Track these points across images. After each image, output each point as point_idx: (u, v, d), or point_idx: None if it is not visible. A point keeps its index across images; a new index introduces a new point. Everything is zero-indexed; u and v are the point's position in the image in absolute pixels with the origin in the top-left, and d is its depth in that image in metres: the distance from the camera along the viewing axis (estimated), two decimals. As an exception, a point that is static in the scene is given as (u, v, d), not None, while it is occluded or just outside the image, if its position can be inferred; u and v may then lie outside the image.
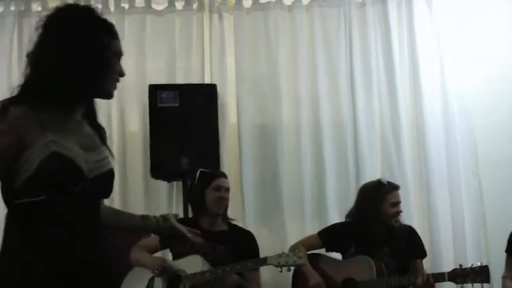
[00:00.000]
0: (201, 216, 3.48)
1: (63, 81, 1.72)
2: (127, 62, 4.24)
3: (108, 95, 1.83)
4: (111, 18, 4.33)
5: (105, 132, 1.93)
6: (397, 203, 3.57)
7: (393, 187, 3.61)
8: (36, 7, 4.50)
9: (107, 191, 1.85)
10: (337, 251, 3.68)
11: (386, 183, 3.63)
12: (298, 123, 4.36)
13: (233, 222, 3.58)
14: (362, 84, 4.37)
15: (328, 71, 4.41)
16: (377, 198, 3.55)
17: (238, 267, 3.20)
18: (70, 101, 1.77)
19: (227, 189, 3.51)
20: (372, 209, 3.54)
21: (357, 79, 4.38)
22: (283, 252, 3.14)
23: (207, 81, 4.36)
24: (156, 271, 3.23)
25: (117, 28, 1.85)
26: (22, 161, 1.67)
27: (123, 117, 4.33)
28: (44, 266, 1.65)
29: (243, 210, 4.19)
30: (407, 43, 4.41)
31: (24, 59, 4.69)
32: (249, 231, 3.61)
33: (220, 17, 4.47)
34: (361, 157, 4.30)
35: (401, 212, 3.59)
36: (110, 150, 1.89)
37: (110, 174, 1.83)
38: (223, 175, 3.62)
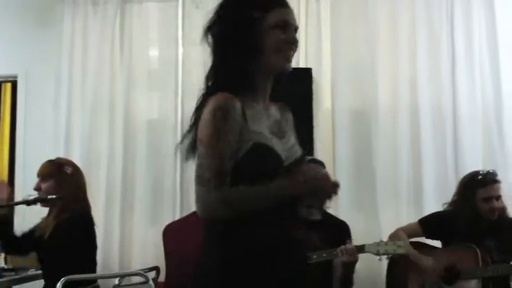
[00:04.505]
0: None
1: (234, 68, 1.74)
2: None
3: (278, 70, 1.79)
4: (209, 2, 4.47)
5: (291, 117, 1.93)
6: (490, 198, 3.36)
7: (487, 181, 3.40)
8: (137, -7, 4.63)
9: None
10: (437, 239, 3.58)
11: (482, 176, 3.43)
12: (395, 108, 4.26)
13: (328, 210, 3.56)
14: (464, 68, 4.21)
15: (428, 53, 4.27)
16: (469, 193, 3.42)
17: (335, 253, 3.19)
18: (250, 85, 1.77)
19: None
20: (465, 203, 3.42)
21: (459, 62, 4.21)
22: (382, 241, 3.13)
23: (302, 65, 4.34)
24: None
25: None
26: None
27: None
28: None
29: (336, 196, 4.15)
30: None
31: (127, 46, 4.90)
32: (343, 221, 3.58)
33: (317, -2, 4.41)
34: (460, 144, 4.15)
35: (496, 207, 3.36)
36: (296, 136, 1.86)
37: (300, 162, 1.80)
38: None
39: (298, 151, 1.82)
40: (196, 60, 4.50)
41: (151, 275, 3.62)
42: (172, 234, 3.87)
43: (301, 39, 4.34)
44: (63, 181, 3.31)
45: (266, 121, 1.78)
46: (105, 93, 4.56)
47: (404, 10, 4.32)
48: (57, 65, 4.62)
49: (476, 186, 3.41)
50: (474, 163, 3.91)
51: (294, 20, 1.81)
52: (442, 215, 3.57)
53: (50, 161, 3.42)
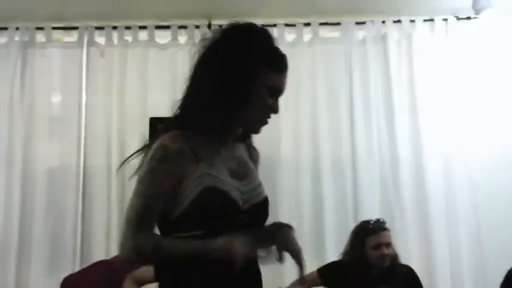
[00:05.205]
0: None
1: (213, 114, 1.64)
2: (129, 95, 4.39)
3: (252, 131, 1.76)
4: (114, 51, 4.48)
5: (258, 157, 1.87)
6: (380, 245, 3.47)
7: (377, 229, 3.51)
8: (40, 38, 4.54)
9: (262, 222, 1.75)
10: None
11: (371, 225, 3.54)
12: (297, 159, 4.37)
13: None
14: (362, 121, 4.40)
15: (328, 107, 4.44)
16: (360, 241, 3.52)
17: None
18: (220, 132, 1.68)
19: None
20: (356, 252, 3.51)
21: (357, 116, 4.40)
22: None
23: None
24: None
25: (120, 61, 1.84)
26: (178, 193, 1.61)
27: (123, 149, 4.33)
28: None
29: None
30: (407, 81, 4.44)
31: (28, 91, 4.71)
32: None
33: (223, 52, 4.48)
34: (359, 194, 4.30)
35: (386, 254, 3.46)
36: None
37: (265, 203, 1.75)
38: None
39: (261, 193, 1.75)
40: (99, 107, 4.44)
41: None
42: (70, 287, 3.70)
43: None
44: None
45: (228, 162, 1.70)
46: (2, 140, 4.38)
47: (305, 68, 4.47)
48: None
49: (366, 234, 3.50)
50: (372, 213, 4.02)
51: (285, 86, 1.74)
52: (337, 265, 3.64)
53: None
